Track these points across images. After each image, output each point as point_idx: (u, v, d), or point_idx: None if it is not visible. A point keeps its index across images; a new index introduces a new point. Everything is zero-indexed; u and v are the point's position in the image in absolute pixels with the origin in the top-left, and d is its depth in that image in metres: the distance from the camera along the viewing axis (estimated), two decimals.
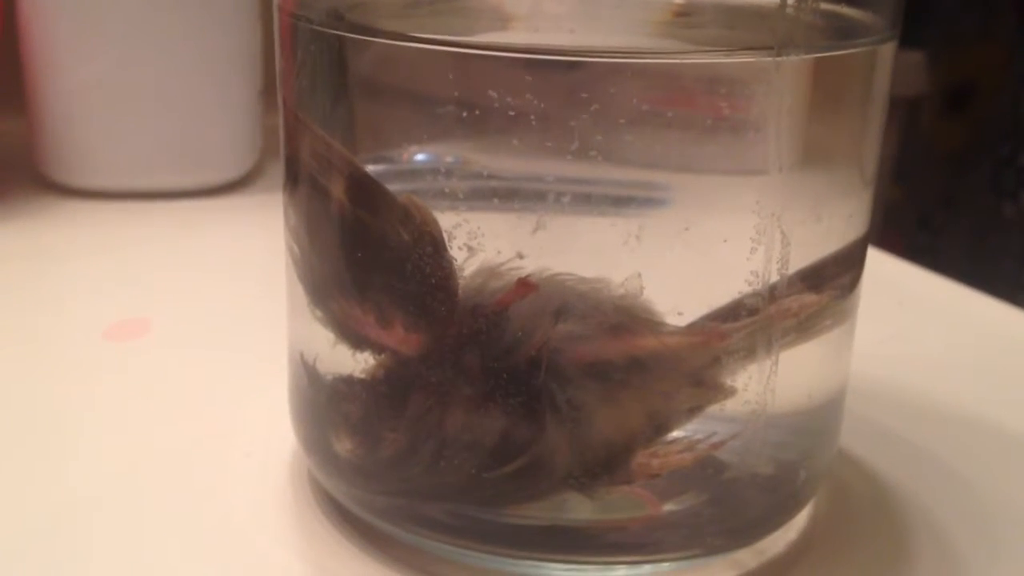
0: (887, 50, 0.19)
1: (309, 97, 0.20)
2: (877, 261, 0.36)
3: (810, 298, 0.19)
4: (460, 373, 0.18)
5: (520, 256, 0.18)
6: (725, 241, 0.18)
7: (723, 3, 0.21)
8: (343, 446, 0.20)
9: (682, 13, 0.21)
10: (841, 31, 0.18)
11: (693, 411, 0.20)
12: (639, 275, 0.18)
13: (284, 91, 0.20)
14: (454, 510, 0.20)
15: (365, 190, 0.19)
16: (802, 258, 0.19)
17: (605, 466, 0.19)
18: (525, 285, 0.18)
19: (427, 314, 0.18)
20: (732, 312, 0.19)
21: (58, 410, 0.26)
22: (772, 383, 0.19)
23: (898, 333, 0.32)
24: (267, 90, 0.46)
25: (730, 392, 0.20)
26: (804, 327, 0.20)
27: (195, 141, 0.43)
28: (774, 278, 0.18)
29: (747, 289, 0.18)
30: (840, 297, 0.21)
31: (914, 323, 0.34)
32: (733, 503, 0.21)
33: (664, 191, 0.18)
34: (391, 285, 0.19)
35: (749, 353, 0.20)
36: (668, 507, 0.20)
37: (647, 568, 0.20)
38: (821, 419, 0.22)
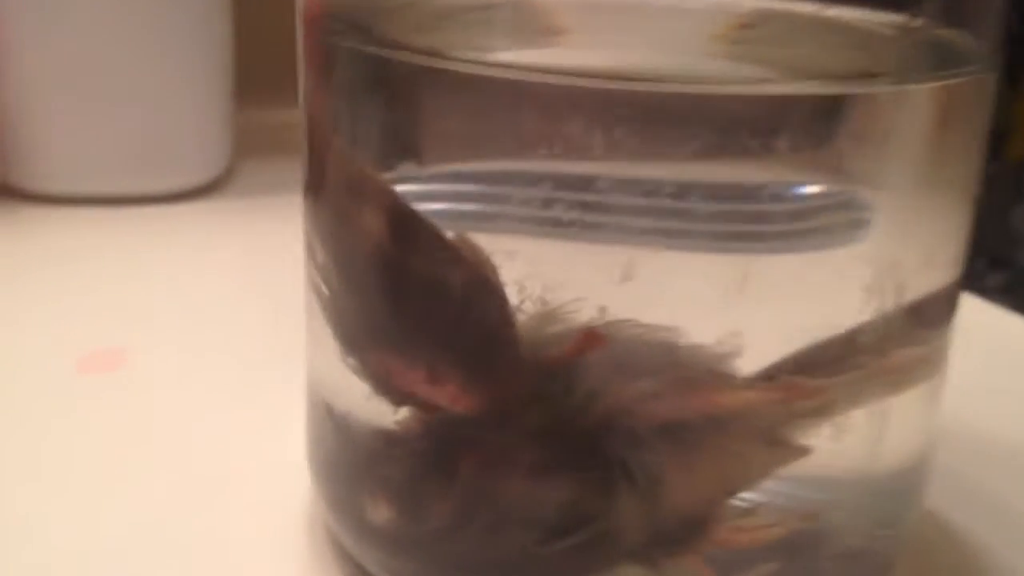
0: (992, 78, 0.17)
1: (341, 119, 0.17)
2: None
3: (917, 351, 0.17)
4: (520, 436, 0.16)
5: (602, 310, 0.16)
6: (835, 292, 0.16)
7: (792, 12, 0.19)
8: (380, 515, 0.18)
9: (747, 25, 0.19)
10: (947, 57, 0.16)
11: (768, 474, 0.18)
12: (740, 333, 0.16)
13: (311, 110, 0.18)
14: None
15: (408, 227, 0.17)
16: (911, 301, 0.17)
17: (677, 539, 0.17)
18: (592, 337, 0.16)
19: (483, 370, 0.16)
20: (826, 360, 0.17)
21: (31, 454, 0.23)
22: (877, 442, 0.17)
23: (981, 375, 0.30)
24: (239, 89, 0.43)
25: (810, 452, 0.18)
26: (908, 377, 0.18)
27: (163, 143, 0.40)
28: (884, 327, 0.16)
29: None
30: (940, 341, 0.19)
31: (998, 365, 0.32)
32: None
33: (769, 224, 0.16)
34: (440, 336, 0.16)
35: (847, 409, 0.18)
36: None
37: None
38: (917, 479, 0.20)
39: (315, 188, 0.18)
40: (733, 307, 0.16)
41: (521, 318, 0.16)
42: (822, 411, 0.17)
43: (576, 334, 0.16)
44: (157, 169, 0.40)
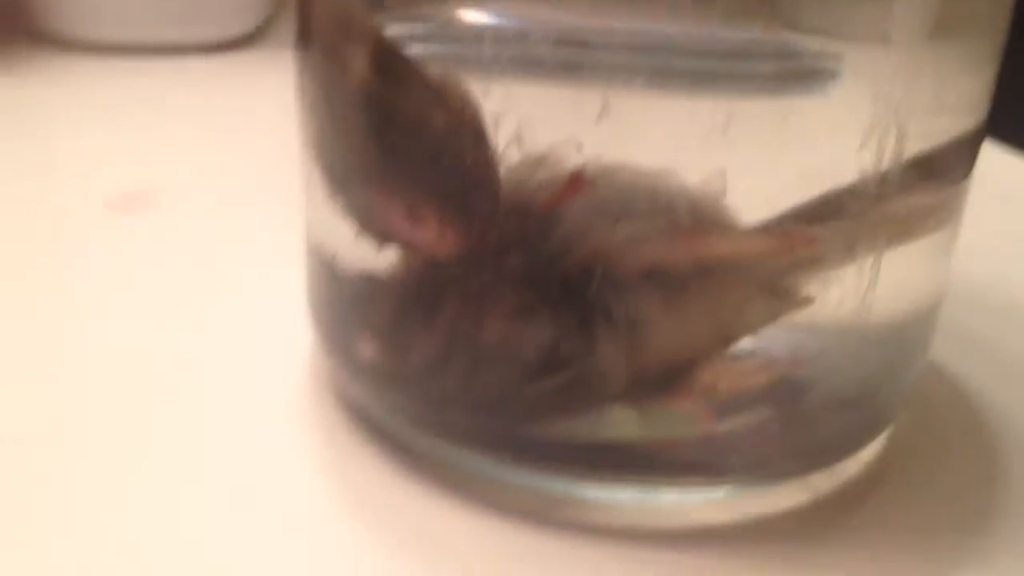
0: None
1: None
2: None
3: (921, 200, 0.17)
4: (501, 279, 0.16)
5: (578, 148, 0.16)
6: (831, 135, 0.15)
7: None
8: (366, 351, 0.18)
9: None
10: None
11: (767, 323, 0.18)
12: (723, 173, 0.15)
13: None
14: (488, 423, 0.18)
15: (393, 65, 0.16)
16: (917, 151, 0.16)
17: (663, 383, 0.17)
18: (579, 180, 0.16)
19: (465, 211, 0.16)
20: (824, 211, 0.16)
21: (54, 288, 0.24)
22: (868, 293, 0.17)
23: (1000, 226, 0.29)
24: None
25: (811, 303, 0.18)
26: (908, 229, 0.18)
27: None
28: (883, 178, 0.16)
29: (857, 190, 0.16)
30: (950, 194, 0.18)
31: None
32: (804, 423, 0.19)
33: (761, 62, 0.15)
34: (423, 176, 0.16)
35: (842, 259, 0.17)
36: (727, 425, 0.18)
37: (700, 494, 0.18)
38: (917, 332, 0.20)
39: (304, 29, 0.18)
40: (719, 150, 0.15)
41: (505, 160, 0.16)
42: (820, 261, 0.17)
43: (560, 177, 0.16)
44: (195, 18, 0.40)
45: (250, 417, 0.20)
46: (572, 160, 0.16)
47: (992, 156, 0.34)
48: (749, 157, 0.16)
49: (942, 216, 0.18)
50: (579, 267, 0.16)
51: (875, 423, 0.20)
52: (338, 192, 0.18)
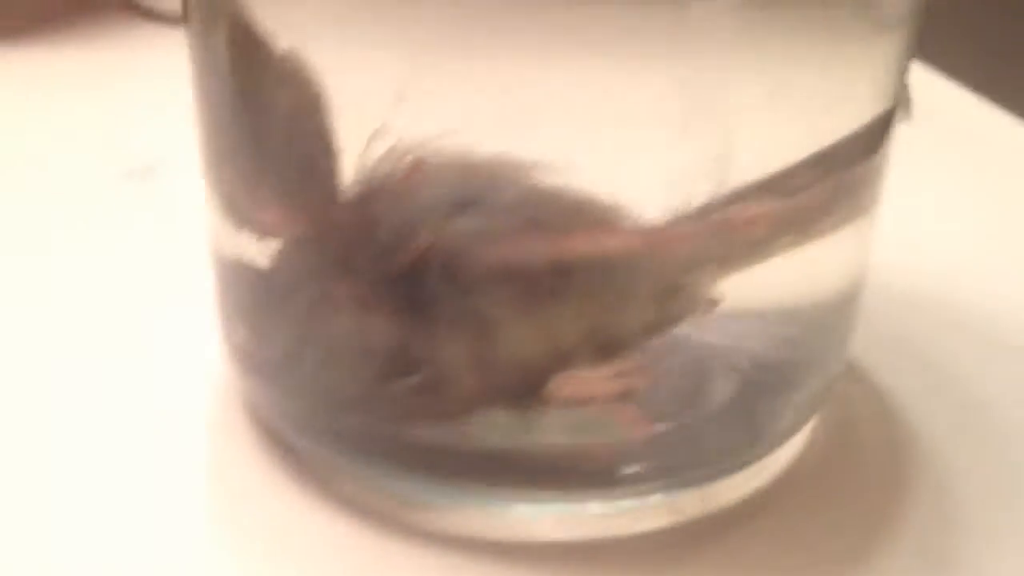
0: None
1: None
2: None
3: (765, 207, 0.15)
4: (342, 270, 0.15)
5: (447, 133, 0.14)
6: (630, 130, 0.14)
7: None
8: (237, 336, 0.18)
9: None
10: None
11: (651, 329, 0.16)
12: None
13: None
14: (355, 423, 0.17)
15: (245, 42, 0.16)
16: (763, 150, 0.14)
17: (522, 389, 0.16)
18: (416, 170, 0.15)
19: (303, 197, 0.16)
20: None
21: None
22: (745, 296, 0.16)
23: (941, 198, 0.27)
24: None
25: (716, 305, 0.16)
26: (792, 230, 0.16)
27: None
28: (708, 180, 0.14)
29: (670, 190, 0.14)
30: (843, 195, 0.16)
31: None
32: (692, 433, 0.17)
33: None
34: (266, 157, 0.16)
35: (717, 262, 0.16)
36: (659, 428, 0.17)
37: (576, 505, 0.17)
38: (820, 334, 0.18)
39: (184, 9, 0.17)
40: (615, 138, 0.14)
41: (352, 144, 0.15)
42: (702, 263, 0.16)
43: (402, 164, 0.15)
44: None
45: (153, 409, 0.19)
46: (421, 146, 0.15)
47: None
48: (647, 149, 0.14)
49: (842, 216, 0.16)
50: (416, 262, 0.15)
51: (790, 425, 0.18)
52: (209, 175, 0.17)
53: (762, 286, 0.17)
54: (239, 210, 0.16)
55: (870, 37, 0.15)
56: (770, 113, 0.14)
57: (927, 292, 0.24)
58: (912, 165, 0.30)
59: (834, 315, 0.18)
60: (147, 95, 0.32)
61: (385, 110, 0.14)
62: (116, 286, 0.23)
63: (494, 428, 0.17)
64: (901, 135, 0.17)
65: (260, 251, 0.17)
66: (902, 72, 0.16)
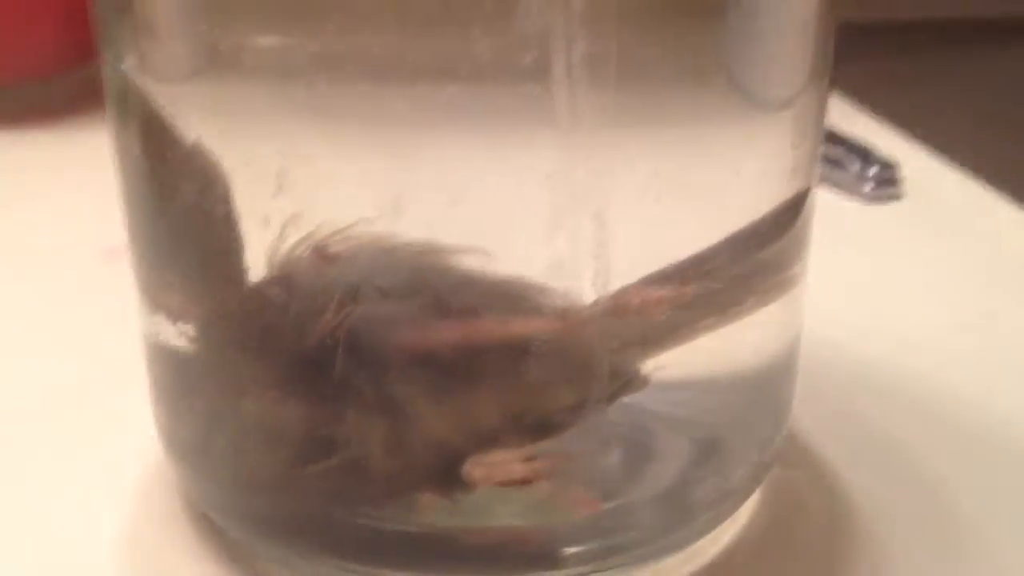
0: None
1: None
2: None
3: (660, 292, 0.15)
4: (247, 355, 0.16)
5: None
6: (509, 222, 0.14)
7: None
8: (161, 417, 0.18)
9: None
10: None
11: (575, 410, 0.16)
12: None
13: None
14: (279, 505, 0.17)
15: (151, 132, 0.16)
16: (651, 238, 0.14)
17: (444, 472, 0.16)
18: (316, 254, 0.15)
19: (206, 283, 0.16)
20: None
21: None
22: (671, 371, 0.16)
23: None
24: None
25: (645, 385, 0.16)
26: (709, 312, 0.16)
27: None
28: (590, 268, 0.14)
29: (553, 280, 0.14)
30: (760, 275, 0.16)
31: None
32: (632, 514, 0.17)
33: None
34: (171, 244, 0.16)
35: (637, 343, 0.16)
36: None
37: None
38: (754, 406, 0.18)
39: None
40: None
41: (263, 234, 0.15)
42: (617, 343, 0.16)
43: (313, 250, 0.15)
44: None
45: (88, 483, 0.20)
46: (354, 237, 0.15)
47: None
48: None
49: (761, 297, 0.16)
50: (324, 345, 0.15)
51: (729, 502, 0.18)
52: (131, 260, 0.17)
53: (693, 363, 0.17)
54: (151, 293, 0.17)
55: (754, 122, 0.15)
56: (652, 204, 0.14)
57: (876, 369, 0.23)
58: (886, 243, 0.30)
59: (767, 389, 0.18)
60: None
61: (280, 202, 0.15)
62: (79, 362, 0.23)
63: (423, 511, 0.17)
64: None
65: (175, 334, 0.17)
66: (808, 156, 0.16)
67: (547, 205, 0.14)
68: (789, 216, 0.16)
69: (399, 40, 0.14)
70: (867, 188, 0.32)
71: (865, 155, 0.33)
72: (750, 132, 0.15)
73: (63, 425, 0.21)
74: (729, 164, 0.14)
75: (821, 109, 0.16)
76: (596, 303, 0.14)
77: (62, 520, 0.19)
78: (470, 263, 0.15)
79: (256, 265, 0.15)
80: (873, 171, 0.33)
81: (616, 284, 0.14)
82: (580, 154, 0.13)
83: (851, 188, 0.32)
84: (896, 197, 0.32)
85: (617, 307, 0.15)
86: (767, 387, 0.18)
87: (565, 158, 0.13)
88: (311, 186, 0.14)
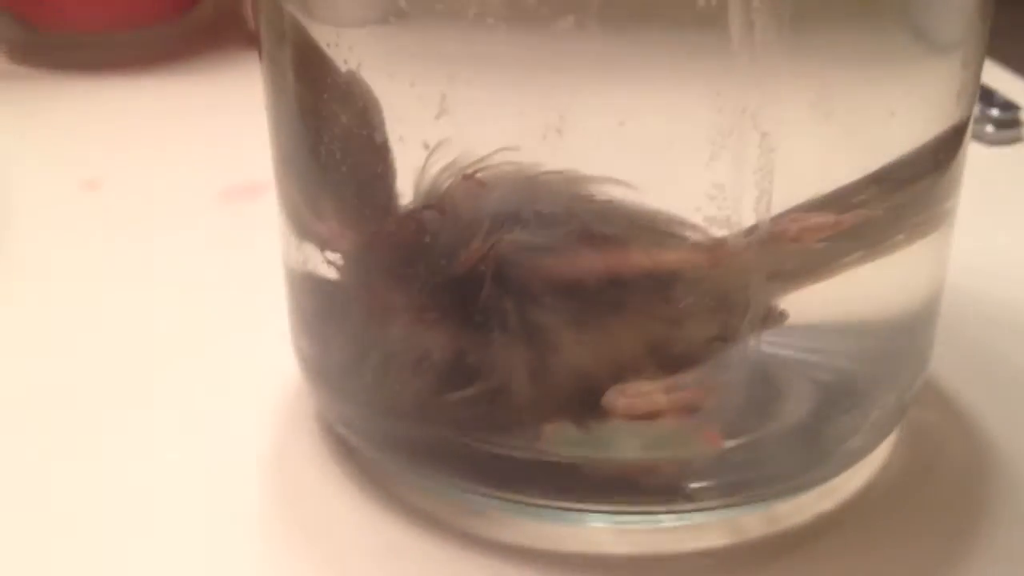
0: None
1: None
2: None
3: (815, 219, 0.15)
4: (399, 281, 0.16)
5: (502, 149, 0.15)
6: (672, 145, 0.14)
7: None
8: (303, 344, 0.18)
9: None
10: None
11: (714, 343, 0.16)
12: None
13: None
14: (420, 431, 0.17)
15: (310, 62, 0.16)
16: (814, 167, 0.14)
17: (583, 402, 0.16)
18: (468, 181, 0.15)
19: (360, 210, 0.16)
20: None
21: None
22: (818, 310, 0.16)
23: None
24: None
25: (785, 319, 0.16)
26: (857, 245, 0.16)
27: None
28: (752, 192, 0.14)
29: (712, 205, 0.14)
30: (910, 211, 0.16)
31: None
32: (762, 450, 0.17)
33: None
34: (325, 172, 0.16)
35: (781, 276, 0.16)
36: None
37: (641, 518, 0.17)
38: (895, 349, 0.18)
39: (257, 34, 0.18)
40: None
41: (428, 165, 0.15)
42: (761, 276, 0.16)
43: (460, 178, 0.15)
44: None
45: (228, 408, 0.20)
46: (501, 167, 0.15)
47: None
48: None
49: (913, 231, 0.16)
50: (471, 273, 0.15)
51: (864, 444, 0.18)
52: (279, 190, 0.18)
53: (835, 300, 0.17)
54: (302, 222, 0.17)
55: (921, 58, 0.14)
56: (817, 129, 0.14)
57: (1012, 311, 0.23)
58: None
59: (909, 330, 0.18)
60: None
61: (439, 126, 0.15)
62: (213, 294, 0.24)
63: (558, 440, 0.17)
64: None
65: (322, 262, 0.17)
66: (969, 93, 0.16)
67: (713, 127, 0.14)
68: (947, 147, 0.16)
69: None
70: (989, 129, 0.32)
71: (988, 97, 0.32)
72: (916, 70, 0.14)
73: (201, 360, 0.22)
74: (896, 98, 0.14)
75: (984, 43, 0.16)
76: (754, 228, 0.14)
77: (209, 443, 0.19)
78: (620, 193, 0.15)
79: (406, 191, 0.16)
80: (995, 112, 0.32)
81: (778, 209, 0.14)
82: (750, 78, 0.13)
83: (973, 132, 0.32)
84: (1020, 139, 0.32)
85: (775, 233, 0.15)
86: (912, 329, 0.18)
87: (735, 81, 0.13)
88: (470, 113, 0.15)
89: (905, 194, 0.16)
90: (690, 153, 0.14)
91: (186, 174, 0.31)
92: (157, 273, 0.25)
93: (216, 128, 0.34)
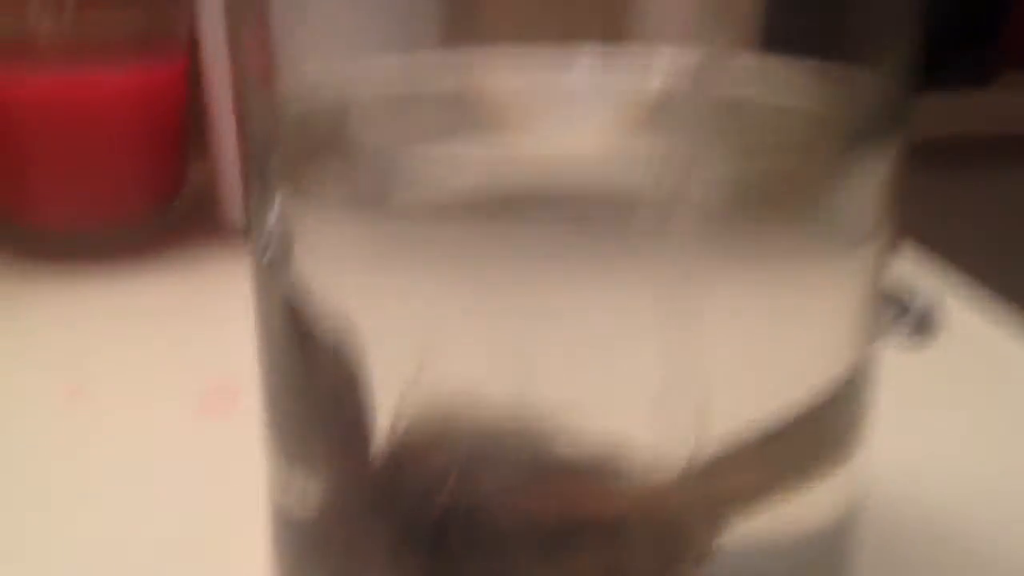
0: None
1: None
2: None
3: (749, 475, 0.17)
4: (369, 527, 0.18)
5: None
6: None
7: None
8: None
9: None
10: None
11: (662, 571, 0.18)
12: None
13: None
14: None
15: (299, 323, 0.18)
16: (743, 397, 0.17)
17: None
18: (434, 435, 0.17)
19: (338, 457, 0.18)
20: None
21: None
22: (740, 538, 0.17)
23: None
24: None
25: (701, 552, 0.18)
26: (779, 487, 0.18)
27: None
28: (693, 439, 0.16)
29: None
30: (829, 443, 0.18)
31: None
32: None
33: None
34: (310, 424, 0.18)
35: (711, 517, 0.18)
36: None
37: None
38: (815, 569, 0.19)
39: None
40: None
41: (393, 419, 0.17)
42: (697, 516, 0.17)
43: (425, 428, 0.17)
44: None
45: None
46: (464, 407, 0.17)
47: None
48: None
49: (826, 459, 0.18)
50: (439, 519, 0.17)
51: None
52: (264, 415, 0.20)
53: (757, 527, 0.18)
54: (288, 453, 0.19)
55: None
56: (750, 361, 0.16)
57: (932, 522, 0.25)
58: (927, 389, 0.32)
59: (828, 550, 0.19)
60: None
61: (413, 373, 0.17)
62: (186, 518, 0.25)
63: None
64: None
65: (303, 494, 0.19)
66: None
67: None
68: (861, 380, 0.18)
69: None
70: (905, 332, 0.34)
71: (903, 301, 0.35)
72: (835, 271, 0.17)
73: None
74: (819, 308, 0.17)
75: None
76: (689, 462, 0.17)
77: None
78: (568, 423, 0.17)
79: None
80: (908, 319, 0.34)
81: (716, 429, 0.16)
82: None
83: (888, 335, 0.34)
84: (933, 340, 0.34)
85: (710, 468, 0.17)
86: (831, 548, 0.19)
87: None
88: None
89: (827, 425, 0.18)
90: (636, 385, 0.16)
91: (163, 383, 0.32)
92: (127, 485, 0.26)
93: (193, 328, 0.35)
